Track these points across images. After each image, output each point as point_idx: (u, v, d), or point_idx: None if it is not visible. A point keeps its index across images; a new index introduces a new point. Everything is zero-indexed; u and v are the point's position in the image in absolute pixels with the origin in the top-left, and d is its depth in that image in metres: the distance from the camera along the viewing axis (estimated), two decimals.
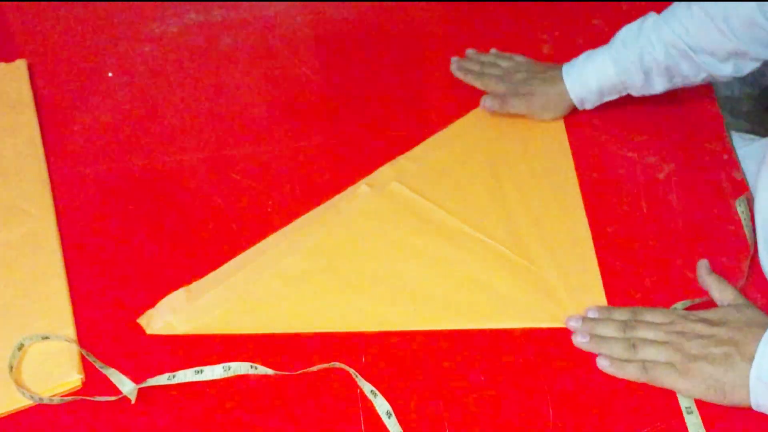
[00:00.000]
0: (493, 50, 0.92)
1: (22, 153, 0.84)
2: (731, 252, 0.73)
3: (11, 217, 0.78)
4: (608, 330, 0.67)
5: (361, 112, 0.88)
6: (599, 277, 0.72)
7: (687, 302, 0.69)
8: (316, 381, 0.66)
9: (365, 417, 0.64)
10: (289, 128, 0.87)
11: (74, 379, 0.66)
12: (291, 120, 0.88)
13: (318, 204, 0.79)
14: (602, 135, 0.84)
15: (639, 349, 0.65)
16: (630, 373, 0.65)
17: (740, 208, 0.76)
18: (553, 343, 0.68)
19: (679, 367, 0.63)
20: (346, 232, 0.76)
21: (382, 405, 0.64)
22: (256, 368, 0.66)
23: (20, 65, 0.92)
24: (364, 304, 0.71)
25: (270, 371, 0.66)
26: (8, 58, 0.93)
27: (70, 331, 0.69)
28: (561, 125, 0.85)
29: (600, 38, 0.83)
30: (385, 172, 0.81)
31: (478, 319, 0.70)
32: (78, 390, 0.66)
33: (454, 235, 0.76)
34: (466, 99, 0.88)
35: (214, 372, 0.66)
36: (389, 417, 0.63)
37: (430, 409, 0.64)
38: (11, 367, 0.66)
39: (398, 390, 0.65)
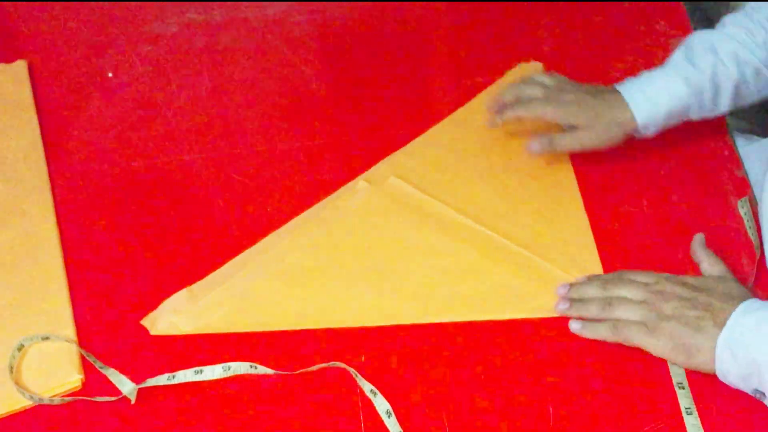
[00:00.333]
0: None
1: (22, 153, 0.84)
2: (732, 250, 0.73)
3: (11, 217, 0.78)
4: (591, 290, 0.68)
5: (361, 111, 0.88)
6: (599, 263, 0.73)
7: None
8: (316, 380, 0.66)
9: (365, 416, 0.64)
10: (289, 128, 0.87)
11: (74, 379, 0.66)
12: (291, 120, 0.88)
13: (317, 203, 0.79)
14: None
15: (614, 308, 0.65)
16: (600, 332, 0.66)
17: (742, 210, 0.76)
18: (553, 342, 0.68)
19: (650, 326, 0.63)
20: (346, 229, 0.76)
21: (381, 404, 0.64)
22: (255, 368, 0.66)
23: (20, 66, 0.93)
24: (367, 299, 0.71)
25: (270, 371, 0.66)
26: (8, 59, 0.93)
27: (70, 331, 0.69)
28: None
29: (600, 38, 0.83)
30: (382, 167, 0.81)
31: (482, 310, 0.70)
32: (78, 390, 0.66)
33: (454, 228, 0.76)
34: (466, 99, 0.88)
35: (214, 372, 0.66)
36: (389, 416, 0.63)
37: (429, 408, 0.64)
38: (11, 368, 0.66)
39: (398, 389, 0.65)
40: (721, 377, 0.62)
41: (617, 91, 0.76)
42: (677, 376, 0.65)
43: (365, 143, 0.85)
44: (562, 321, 0.69)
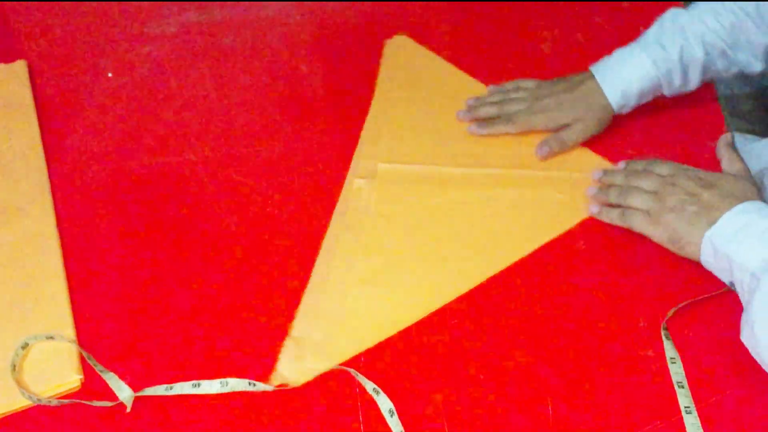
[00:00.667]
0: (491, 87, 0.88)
1: (22, 153, 0.84)
2: None
3: (11, 217, 0.78)
4: (618, 177, 0.75)
5: (360, 111, 0.88)
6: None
7: None
8: (317, 382, 0.66)
9: (366, 415, 0.64)
10: (289, 128, 0.87)
11: (73, 379, 0.66)
12: (291, 119, 0.88)
13: (317, 203, 0.79)
14: (603, 133, 0.84)
15: (628, 196, 0.72)
16: (611, 217, 0.73)
17: None
18: (553, 342, 0.68)
19: (653, 216, 0.70)
20: (377, 226, 0.77)
21: (384, 403, 0.64)
22: (254, 385, 0.66)
23: (20, 66, 0.93)
24: (445, 270, 0.73)
25: (269, 387, 0.65)
26: (8, 59, 0.93)
27: (70, 331, 0.69)
28: None
29: (600, 37, 0.83)
30: (361, 161, 0.82)
31: (529, 239, 0.75)
32: (76, 392, 0.66)
33: (462, 181, 0.79)
34: None
35: (211, 386, 0.66)
36: (391, 415, 0.63)
37: (430, 408, 0.64)
38: (14, 366, 0.66)
39: (398, 389, 0.65)
40: (705, 266, 0.69)
41: (591, 76, 0.81)
42: (677, 375, 0.65)
43: None
44: (561, 319, 0.69)
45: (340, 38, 0.97)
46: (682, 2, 0.89)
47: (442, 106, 0.87)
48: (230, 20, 0.98)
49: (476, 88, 0.88)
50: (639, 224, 0.71)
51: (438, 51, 0.93)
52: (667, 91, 0.81)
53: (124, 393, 0.65)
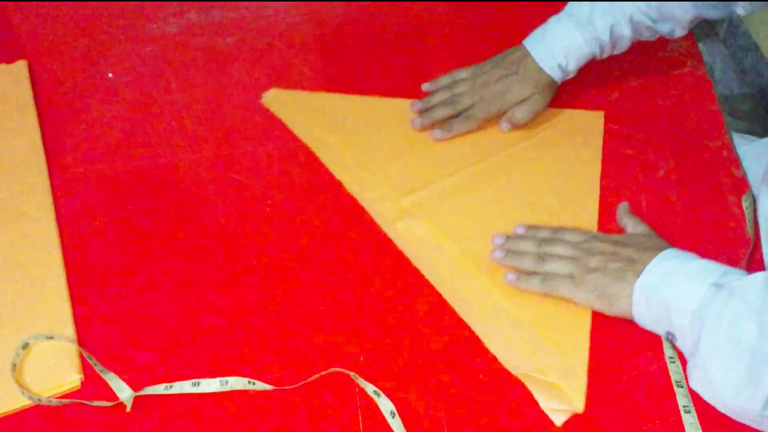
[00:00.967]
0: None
1: (22, 153, 0.84)
2: (731, 249, 0.73)
3: (11, 217, 0.78)
4: (527, 245, 0.73)
5: None
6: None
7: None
8: (316, 382, 0.66)
9: (366, 418, 0.64)
10: (289, 128, 0.87)
11: (73, 379, 0.66)
12: None
13: (317, 202, 0.79)
14: (602, 136, 0.84)
15: (546, 263, 0.70)
16: (532, 284, 0.70)
17: (745, 203, 0.76)
18: None
19: (576, 279, 0.68)
20: (447, 248, 0.76)
21: (385, 405, 0.64)
22: (253, 384, 0.66)
23: (20, 66, 0.93)
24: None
25: (268, 387, 0.65)
26: (8, 59, 0.94)
27: (70, 331, 0.69)
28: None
29: None
30: (376, 206, 0.79)
31: (579, 185, 0.80)
32: (76, 391, 0.66)
33: (483, 174, 0.82)
34: None
35: (211, 385, 0.66)
36: (393, 417, 0.63)
37: (430, 408, 0.64)
38: (14, 366, 0.66)
39: (399, 389, 0.65)
40: (637, 320, 0.67)
41: (528, 53, 0.84)
42: (676, 374, 0.65)
43: None
44: None
45: (339, 38, 0.97)
46: None
47: (385, 128, 0.86)
48: (230, 20, 0.98)
49: (385, 102, 0.89)
50: (563, 289, 0.69)
51: (438, 51, 0.93)
52: (599, 58, 0.85)
53: (124, 393, 0.65)
